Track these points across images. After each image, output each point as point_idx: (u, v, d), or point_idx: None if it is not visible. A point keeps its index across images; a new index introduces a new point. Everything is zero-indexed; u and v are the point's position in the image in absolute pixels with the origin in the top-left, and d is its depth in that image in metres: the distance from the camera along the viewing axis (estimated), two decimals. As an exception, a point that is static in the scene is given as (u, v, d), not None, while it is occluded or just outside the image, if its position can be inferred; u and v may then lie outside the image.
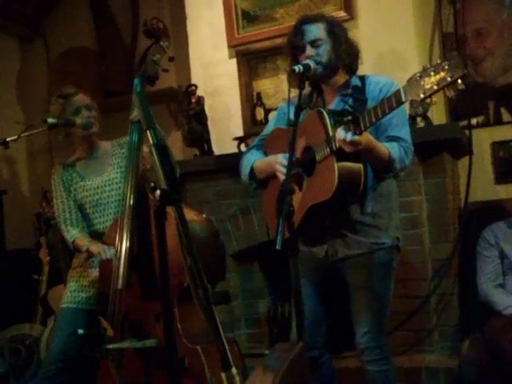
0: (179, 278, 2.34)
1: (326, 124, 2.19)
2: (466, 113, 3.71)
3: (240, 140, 3.86)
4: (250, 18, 3.95)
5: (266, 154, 2.60)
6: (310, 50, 2.36)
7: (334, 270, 2.46)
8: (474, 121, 3.75)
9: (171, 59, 2.76)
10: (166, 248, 1.51)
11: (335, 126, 2.14)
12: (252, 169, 2.58)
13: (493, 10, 3.73)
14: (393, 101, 1.98)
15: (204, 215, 2.77)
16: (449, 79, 1.81)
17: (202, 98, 3.90)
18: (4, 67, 5.04)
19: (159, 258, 1.51)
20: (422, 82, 1.87)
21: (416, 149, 2.40)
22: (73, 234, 2.78)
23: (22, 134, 2.96)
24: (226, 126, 4.01)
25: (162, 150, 1.49)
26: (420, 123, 3.40)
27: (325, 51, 2.35)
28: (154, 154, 1.49)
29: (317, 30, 2.36)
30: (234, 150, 3.85)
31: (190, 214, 2.65)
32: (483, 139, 3.77)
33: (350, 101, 2.36)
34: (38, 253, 4.24)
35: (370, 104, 2.28)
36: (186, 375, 2.32)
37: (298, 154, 2.31)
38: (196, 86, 3.89)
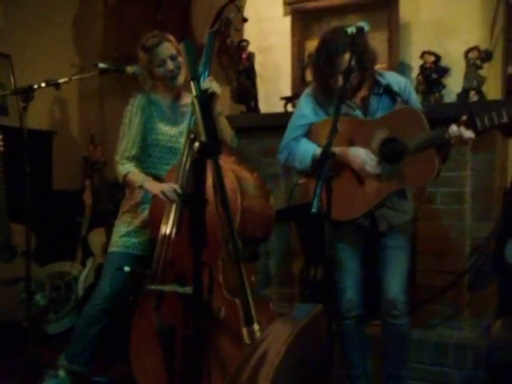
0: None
1: (425, 124, 2.46)
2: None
3: (287, 100, 3.82)
4: (308, -25, 3.85)
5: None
6: (341, 80, 2.50)
7: (374, 236, 2.68)
8: (530, 99, 3.62)
9: (244, 20, 2.81)
10: (205, 199, 1.51)
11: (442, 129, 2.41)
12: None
13: None
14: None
15: (256, 174, 2.78)
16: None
17: (253, 54, 3.86)
18: (61, 9, 5.06)
19: (199, 209, 1.51)
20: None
21: (466, 123, 2.37)
22: (127, 166, 2.79)
23: (73, 77, 3.00)
24: (274, 85, 3.97)
25: (205, 102, 1.49)
26: (473, 97, 3.29)
27: (353, 77, 2.56)
28: (196, 106, 1.49)
29: (346, 60, 2.45)
30: (281, 109, 3.81)
31: (244, 172, 2.69)
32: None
33: (384, 98, 2.63)
34: (82, 195, 4.34)
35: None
36: (220, 326, 2.37)
37: (375, 144, 2.56)
38: (248, 42, 3.85)
